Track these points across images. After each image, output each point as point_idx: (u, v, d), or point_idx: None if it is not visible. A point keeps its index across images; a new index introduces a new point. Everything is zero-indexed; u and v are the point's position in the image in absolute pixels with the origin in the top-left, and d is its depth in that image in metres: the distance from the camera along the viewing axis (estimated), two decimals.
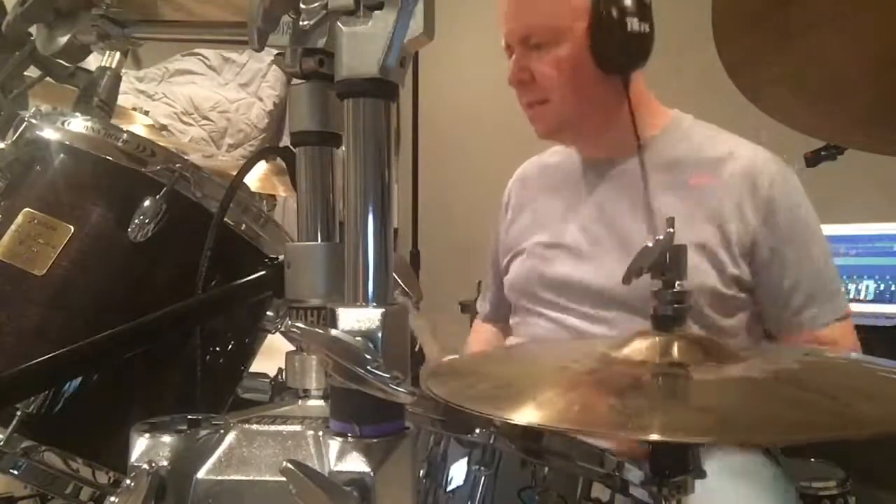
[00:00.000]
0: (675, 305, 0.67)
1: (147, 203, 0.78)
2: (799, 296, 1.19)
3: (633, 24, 1.14)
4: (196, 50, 3.36)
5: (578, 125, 1.28)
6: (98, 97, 0.95)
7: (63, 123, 0.83)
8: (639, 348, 0.67)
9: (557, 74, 1.21)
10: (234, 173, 0.78)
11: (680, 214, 1.15)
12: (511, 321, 1.42)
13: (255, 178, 1.71)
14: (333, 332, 0.48)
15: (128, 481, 0.51)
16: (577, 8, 1.17)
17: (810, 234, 1.21)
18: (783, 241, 1.19)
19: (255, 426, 0.57)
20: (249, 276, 0.77)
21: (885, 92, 0.80)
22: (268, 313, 0.89)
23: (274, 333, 0.90)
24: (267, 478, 0.53)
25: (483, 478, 0.73)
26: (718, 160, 1.23)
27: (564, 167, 1.40)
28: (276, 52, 0.64)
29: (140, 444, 0.54)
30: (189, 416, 0.58)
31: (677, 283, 0.67)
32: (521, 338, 1.36)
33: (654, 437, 0.55)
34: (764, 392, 0.61)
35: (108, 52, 0.95)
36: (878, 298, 2.00)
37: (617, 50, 1.16)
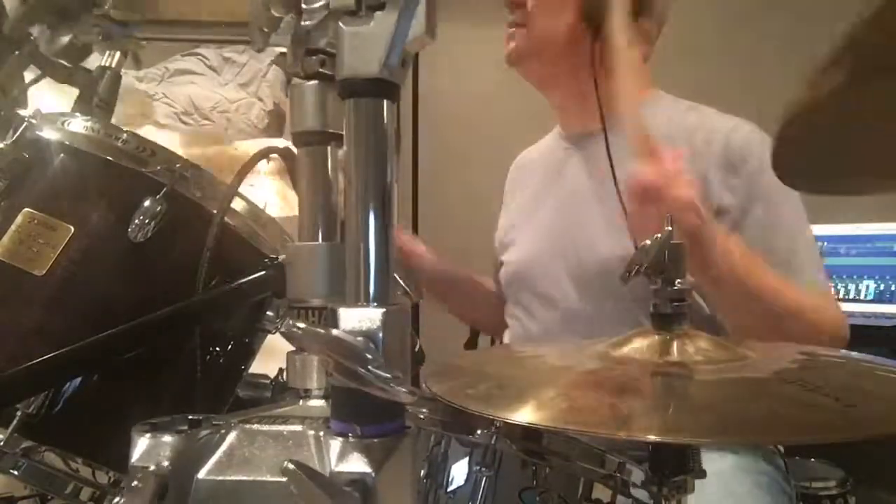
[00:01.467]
0: (675, 304, 0.67)
1: (147, 203, 0.78)
2: (772, 258, 1.11)
3: None
4: (196, 50, 3.35)
5: (542, 61, 1.29)
6: (98, 97, 0.94)
7: (63, 123, 0.83)
8: (638, 347, 0.67)
9: (545, 5, 1.24)
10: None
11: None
12: (505, 316, 1.42)
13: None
14: (334, 332, 0.48)
15: (134, 482, 0.51)
16: None
17: (782, 195, 1.15)
18: (751, 199, 1.14)
19: (255, 426, 0.56)
20: (249, 276, 0.77)
21: None
22: (268, 313, 0.89)
23: (274, 333, 0.90)
24: (268, 478, 0.53)
25: (484, 478, 0.73)
26: (689, 131, 1.21)
27: (550, 149, 1.42)
28: (276, 52, 0.64)
29: (141, 445, 0.54)
30: (189, 417, 0.57)
31: (677, 281, 0.67)
32: (515, 331, 1.37)
33: (654, 438, 0.55)
34: (765, 392, 0.61)
35: (108, 52, 0.95)
36: (878, 298, 2.00)
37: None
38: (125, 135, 0.81)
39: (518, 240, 1.38)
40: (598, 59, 1.21)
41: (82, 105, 0.94)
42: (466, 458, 0.75)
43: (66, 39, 0.77)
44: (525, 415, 0.56)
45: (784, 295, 1.06)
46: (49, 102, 0.92)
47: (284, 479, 0.46)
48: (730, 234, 1.05)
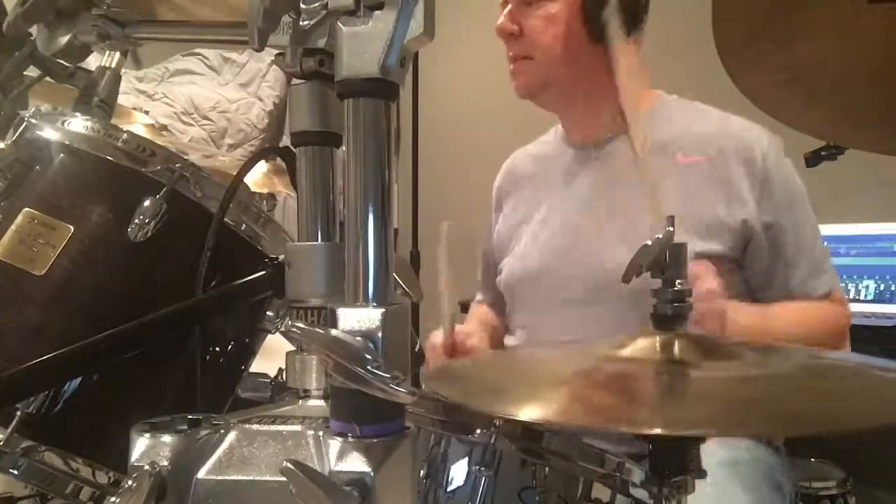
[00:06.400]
0: (675, 304, 0.67)
1: (147, 203, 0.78)
2: (793, 270, 1.20)
3: None
4: (196, 50, 3.36)
5: (558, 89, 1.27)
6: (98, 97, 0.94)
7: (63, 123, 0.83)
8: (640, 347, 0.67)
9: (546, 31, 1.21)
10: (234, 173, 0.78)
11: (673, 195, 1.16)
12: (509, 320, 1.41)
13: (255, 178, 1.72)
14: (334, 332, 0.48)
15: (129, 482, 0.51)
16: None
17: (804, 207, 1.23)
18: (780, 215, 1.19)
19: (255, 426, 0.57)
20: (249, 276, 0.77)
21: (886, 93, 0.80)
22: (268, 313, 0.89)
23: (274, 333, 0.90)
24: (267, 478, 0.53)
25: (483, 478, 0.73)
26: (708, 136, 1.22)
27: (553, 155, 1.39)
28: (276, 52, 0.64)
29: (140, 444, 0.54)
30: (189, 416, 0.58)
31: (677, 281, 0.67)
32: (520, 335, 1.36)
33: (657, 431, 0.55)
34: (768, 386, 0.61)
35: (107, 52, 0.95)
36: (878, 298, 2.00)
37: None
38: (125, 135, 0.81)
39: (525, 245, 1.35)
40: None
41: (82, 105, 0.94)
42: (466, 458, 0.75)
43: (64, 39, 0.77)
44: (527, 412, 0.56)
45: (801, 324, 1.16)
46: None
47: (284, 479, 0.46)
48: (733, 307, 1.07)
